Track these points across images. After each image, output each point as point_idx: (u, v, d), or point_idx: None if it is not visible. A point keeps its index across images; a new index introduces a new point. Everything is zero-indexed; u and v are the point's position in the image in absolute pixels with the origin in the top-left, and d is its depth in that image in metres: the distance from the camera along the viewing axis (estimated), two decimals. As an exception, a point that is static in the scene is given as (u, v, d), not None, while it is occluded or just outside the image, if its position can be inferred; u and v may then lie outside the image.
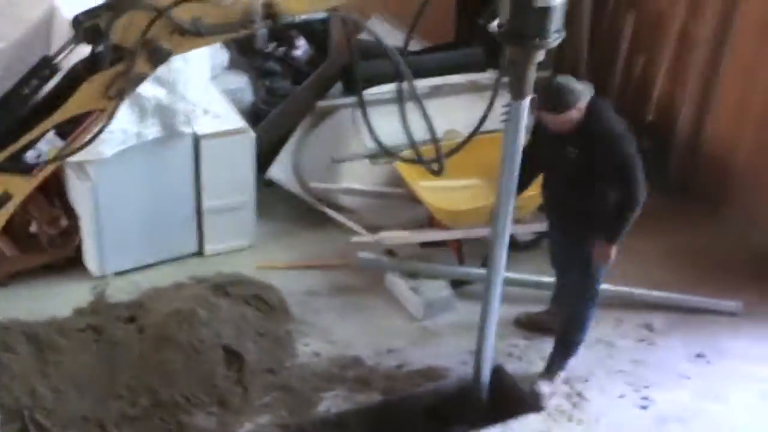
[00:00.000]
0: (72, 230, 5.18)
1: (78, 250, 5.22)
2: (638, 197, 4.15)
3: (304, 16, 2.67)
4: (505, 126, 2.95)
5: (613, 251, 4.29)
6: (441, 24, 6.56)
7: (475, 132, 2.89)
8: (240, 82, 6.06)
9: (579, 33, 6.56)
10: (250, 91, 6.05)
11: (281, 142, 5.86)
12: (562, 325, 4.66)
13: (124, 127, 4.82)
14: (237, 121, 5.37)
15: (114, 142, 4.81)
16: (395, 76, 5.63)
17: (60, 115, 2.58)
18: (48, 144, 2.62)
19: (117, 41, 2.49)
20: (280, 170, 5.82)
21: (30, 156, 2.61)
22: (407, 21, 6.14)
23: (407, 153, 3.66)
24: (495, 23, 2.68)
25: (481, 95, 5.71)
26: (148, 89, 4.82)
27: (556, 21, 2.60)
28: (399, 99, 2.93)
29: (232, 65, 6.12)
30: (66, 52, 2.57)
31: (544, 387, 4.57)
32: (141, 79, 2.61)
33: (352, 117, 5.65)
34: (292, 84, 6.30)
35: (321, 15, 2.69)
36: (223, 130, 5.26)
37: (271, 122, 5.88)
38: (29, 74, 2.57)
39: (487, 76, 5.86)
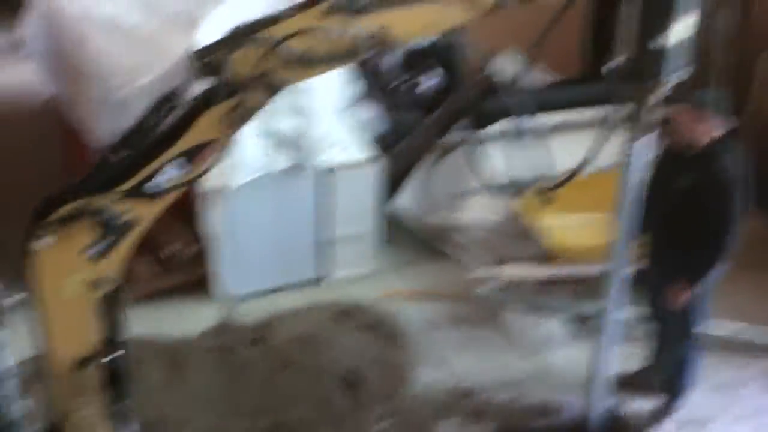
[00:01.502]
0: (204, 254, 5.38)
1: (209, 273, 5.40)
2: (727, 249, 4.03)
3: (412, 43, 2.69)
4: (624, 163, 2.91)
5: (688, 295, 4.15)
6: (571, 58, 6.52)
7: (582, 167, 2.86)
8: (370, 113, 6.17)
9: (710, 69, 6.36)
10: (380, 122, 6.15)
11: (408, 173, 5.92)
12: (668, 370, 4.53)
13: (256, 157, 5.00)
14: (365, 153, 5.47)
15: (246, 171, 4.99)
16: (524, 111, 5.71)
17: (181, 146, 2.69)
18: (173, 171, 2.74)
19: (232, 75, 2.58)
20: (405, 201, 5.88)
21: (155, 182, 2.73)
22: (541, 56, 6.19)
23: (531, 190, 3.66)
24: (611, 63, 2.66)
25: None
26: (281, 123, 5.00)
27: (676, 61, 2.56)
28: (517, 134, 2.92)
29: (364, 96, 6.24)
30: (186, 86, 2.69)
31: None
32: (256, 109, 2.69)
33: (478, 152, 5.67)
34: (421, 116, 6.37)
35: (430, 41, 2.70)
36: (351, 161, 5.36)
37: (399, 154, 5.96)
38: (154, 106, 2.73)
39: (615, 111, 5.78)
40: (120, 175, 2.74)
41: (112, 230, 2.74)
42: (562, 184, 2.85)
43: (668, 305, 4.22)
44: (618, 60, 2.62)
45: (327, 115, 5.16)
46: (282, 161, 5.10)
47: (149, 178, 2.72)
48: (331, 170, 5.30)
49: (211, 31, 4.56)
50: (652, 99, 2.65)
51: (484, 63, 6.13)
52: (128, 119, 2.93)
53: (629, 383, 4.75)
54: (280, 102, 4.91)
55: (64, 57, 4.94)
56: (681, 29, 2.49)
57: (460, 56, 5.79)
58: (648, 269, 4.51)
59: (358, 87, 5.88)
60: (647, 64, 2.56)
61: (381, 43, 2.59)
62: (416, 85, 6.41)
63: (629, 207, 2.97)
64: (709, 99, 4.02)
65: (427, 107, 6.35)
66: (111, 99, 4.76)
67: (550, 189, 2.85)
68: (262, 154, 5.03)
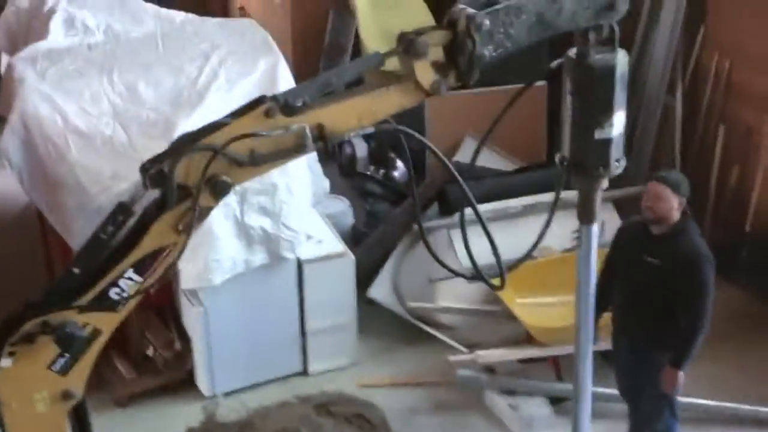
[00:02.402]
0: (185, 353, 5.38)
1: (191, 372, 5.39)
2: (705, 324, 4.09)
3: (353, 134, 2.75)
4: (577, 250, 3.00)
5: (681, 377, 4.17)
6: (533, 143, 6.69)
7: (531, 251, 2.94)
8: (341, 206, 6.27)
9: (671, 147, 6.58)
10: (351, 214, 6.25)
11: (381, 262, 5.98)
12: None
13: (233, 255, 5.05)
14: (338, 246, 5.54)
15: (223, 269, 5.04)
16: (489, 197, 5.83)
17: (136, 254, 2.72)
18: (131, 280, 2.76)
19: (181, 181, 2.63)
20: (380, 290, 5.92)
21: (114, 293, 2.75)
22: (501, 141, 6.38)
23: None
24: (558, 156, 2.76)
25: (573, 213, 5.76)
26: (254, 220, 5.06)
27: (617, 151, 2.66)
28: (461, 221, 2.99)
29: (334, 188, 6.36)
30: (138, 196, 2.73)
31: None
32: (207, 212, 2.72)
33: (448, 237, 5.77)
34: (391, 205, 6.49)
35: (370, 130, 2.77)
36: (325, 255, 5.41)
37: (371, 244, 6.04)
38: (106, 220, 2.74)
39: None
40: (78, 290, 2.75)
41: (74, 344, 2.76)
42: (511, 269, 2.91)
43: (665, 389, 4.22)
44: (565, 150, 2.73)
45: (299, 212, 5.24)
46: (258, 259, 5.17)
47: (107, 289, 2.74)
48: (306, 264, 5.37)
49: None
50: (599, 187, 2.74)
51: (449, 151, 6.30)
52: None
53: None
54: (254, 201, 5.07)
55: (42, 168, 5.02)
56: (620, 121, 2.60)
57: (425, 146, 5.93)
58: (616, 346, 4.54)
59: (328, 181, 5.99)
60: (594, 155, 2.66)
61: (322, 137, 2.66)
62: (385, 175, 6.56)
63: (585, 292, 3.04)
64: (675, 178, 4.20)
65: (397, 196, 6.48)
66: (89, 207, 4.82)
67: (501, 275, 2.90)
68: (239, 252, 5.09)
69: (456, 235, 5.70)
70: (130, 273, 2.75)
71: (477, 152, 2.94)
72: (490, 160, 6.35)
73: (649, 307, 4.21)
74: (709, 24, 6.34)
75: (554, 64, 2.65)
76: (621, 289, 4.38)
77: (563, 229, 5.27)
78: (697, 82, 6.46)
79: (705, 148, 6.42)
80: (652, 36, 6.54)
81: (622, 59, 2.55)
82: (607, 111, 2.56)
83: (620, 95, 2.56)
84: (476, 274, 2.97)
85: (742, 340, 5.62)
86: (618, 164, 2.66)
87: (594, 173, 2.69)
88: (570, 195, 2.85)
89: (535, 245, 2.95)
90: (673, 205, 4.11)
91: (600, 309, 4.37)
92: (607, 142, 2.62)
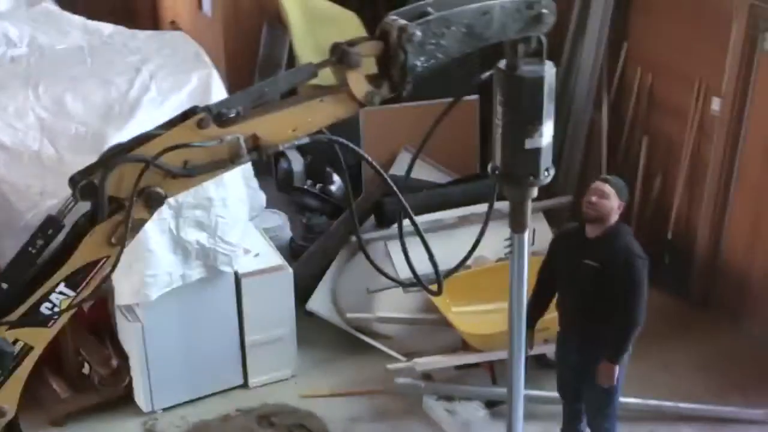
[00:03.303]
0: (122, 369, 5.23)
1: (129, 388, 5.26)
2: (639, 319, 4.19)
3: (288, 144, 2.71)
4: (509, 258, 3.00)
5: (617, 370, 4.25)
6: (466, 156, 6.72)
7: (466, 259, 2.94)
8: (278, 220, 6.21)
9: (598, 158, 6.67)
10: (288, 228, 6.19)
11: (320, 274, 5.94)
12: None
13: (170, 270, 4.93)
14: (276, 259, 5.47)
15: (160, 284, 4.92)
16: (424, 208, 5.82)
17: (68, 268, 2.64)
18: (62, 295, 2.68)
19: (112, 193, 2.56)
20: (319, 302, 5.87)
21: (45, 308, 2.66)
22: (435, 153, 6.39)
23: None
24: (489, 166, 2.76)
25: (506, 223, 5.80)
26: (190, 234, 4.95)
27: (546, 160, 2.67)
28: (399, 230, 2.97)
29: (271, 202, 6.29)
30: (67, 209, 2.65)
31: None
32: (140, 224, 2.65)
33: (385, 249, 5.75)
34: (329, 219, 6.45)
35: (305, 141, 2.73)
36: (263, 268, 5.34)
37: (309, 257, 5.99)
38: (35, 234, 2.66)
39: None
40: (7, 305, 2.66)
41: (4, 360, 2.66)
42: (447, 276, 2.91)
43: (601, 382, 4.29)
44: (496, 160, 2.73)
45: (236, 226, 5.16)
46: (196, 273, 5.06)
47: (38, 305, 2.65)
48: (244, 278, 5.28)
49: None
50: (529, 196, 2.75)
51: (385, 164, 6.28)
52: None
53: None
54: (189, 215, 4.97)
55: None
56: (549, 131, 2.61)
57: (360, 157, 5.93)
58: (562, 347, 4.57)
59: (265, 195, 5.93)
60: (523, 164, 2.67)
61: (257, 147, 2.61)
62: (322, 189, 6.51)
63: (518, 298, 3.04)
64: (618, 182, 4.31)
65: (334, 209, 6.44)
66: (17, 224, 4.66)
67: (438, 281, 2.89)
68: (176, 266, 4.98)
69: (393, 247, 5.69)
70: (62, 287, 2.67)
71: (411, 164, 2.93)
72: (424, 172, 6.35)
73: (592, 308, 4.27)
74: (632, 40, 6.45)
75: (485, 75, 2.64)
76: (563, 293, 4.45)
77: (496, 238, 5.33)
78: (621, 96, 6.57)
79: (629, 159, 6.54)
80: (578, 51, 6.63)
81: (550, 71, 2.56)
82: (536, 121, 2.57)
83: (549, 106, 2.57)
84: (414, 282, 2.95)
85: (666, 341, 5.74)
86: (548, 173, 2.67)
87: (524, 182, 2.69)
88: (503, 206, 2.88)
89: (469, 254, 2.94)
90: (614, 206, 4.21)
91: (536, 316, 4.43)
92: (536, 152, 2.63)
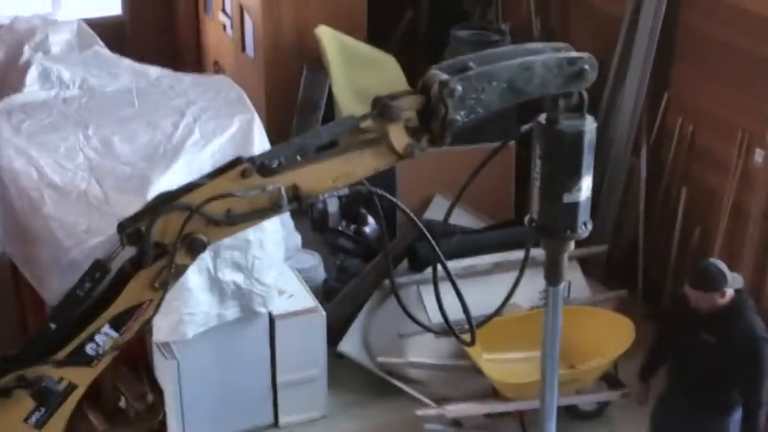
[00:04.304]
0: (157, 404, 5.31)
1: (163, 423, 5.30)
2: (763, 401, 4.14)
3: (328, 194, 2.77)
4: (544, 311, 3.03)
5: None
6: (501, 202, 6.76)
7: (500, 309, 2.96)
8: (312, 260, 6.27)
9: (636, 206, 6.67)
10: (322, 269, 6.25)
11: (352, 317, 5.98)
12: None
13: (206, 309, 5.02)
14: (309, 301, 5.53)
15: (196, 323, 5.01)
16: (458, 254, 5.86)
17: (113, 310, 2.72)
18: (106, 336, 2.76)
19: (157, 239, 2.64)
20: (350, 344, 5.91)
21: (89, 349, 2.75)
22: (470, 199, 6.44)
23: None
24: (526, 218, 2.80)
25: (541, 270, 5.81)
26: (227, 274, 5.04)
27: (584, 214, 2.70)
28: (434, 277, 3.00)
29: (306, 243, 6.36)
30: (115, 254, 2.74)
31: None
32: (183, 269, 2.73)
33: (417, 293, 5.79)
34: (362, 261, 6.50)
35: (344, 192, 2.79)
36: (296, 310, 5.40)
37: (342, 299, 6.04)
38: (83, 277, 2.75)
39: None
40: (55, 345, 2.75)
41: (50, 398, 2.75)
42: (480, 325, 2.93)
43: None
44: (533, 212, 2.76)
45: (271, 267, 5.23)
46: (231, 313, 5.14)
47: (83, 345, 2.74)
48: (277, 319, 5.35)
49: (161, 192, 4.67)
50: (566, 250, 2.78)
51: (419, 209, 6.34)
52: None
53: None
54: (227, 256, 5.05)
55: (17, 221, 4.96)
56: (587, 186, 2.64)
57: (395, 203, 6.01)
58: (665, 407, 4.50)
59: (300, 236, 6.00)
60: (561, 218, 2.70)
61: (297, 197, 2.68)
62: (355, 231, 6.57)
63: (551, 352, 3.06)
64: (704, 279, 4.19)
65: (368, 252, 6.49)
66: (63, 260, 4.78)
67: (471, 331, 2.92)
68: (212, 306, 5.07)
69: (425, 291, 5.73)
70: (107, 328, 2.75)
71: (449, 212, 2.96)
72: (458, 217, 6.39)
73: (703, 378, 4.22)
74: (674, 89, 6.46)
75: (524, 128, 2.69)
76: (675, 360, 4.40)
77: (530, 286, 5.32)
78: (661, 145, 6.57)
79: (668, 209, 6.51)
80: (618, 98, 6.66)
81: (590, 126, 2.59)
82: (576, 176, 2.60)
83: (588, 161, 2.60)
84: (447, 330, 2.98)
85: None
86: (585, 227, 2.70)
87: (561, 236, 2.72)
88: (537, 253, 2.90)
89: (503, 303, 2.97)
90: (716, 300, 4.13)
91: (649, 375, 4.42)
92: (574, 206, 2.66)
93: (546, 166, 2.63)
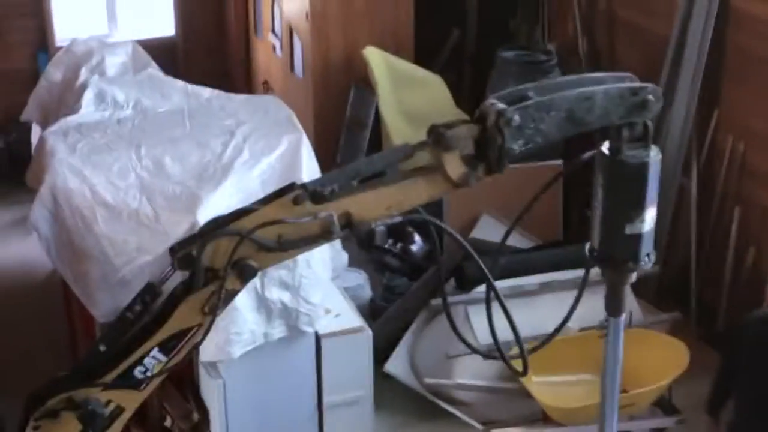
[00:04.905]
0: (203, 424, 5.27)
1: (209, 444, 5.30)
2: None
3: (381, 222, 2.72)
4: (604, 342, 2.92)
5: None
6: (549, 222, 6.64)
7: (557, 332, 2.85)
8: (359, 279, 6.21)
9: (687, 227, 6.51)
10: (368, 287, 6.18)
11: (398, 336, 5.90)
12: None
13: (252, 328, 4.96)
14: (356, 320, 5.44)
15: (243, 342, 4.95)
16: (505, 274, 5.76)
17: (163, 334, 2.70)
18: (155, 360, 2.73)
19: (208, 264, 2.61)
20: (397, 364, 5.82)
21: (138, 372, 2.73)
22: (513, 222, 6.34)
23: (514, 351, 3.63)
24: (587, 247, 2.70)
25: (591, 290, 5.69)
26: (274, 293, 4.98)
27: (647, 245, 2.59)
28: (487, 299, 2.91)
29: (352, 261, 6.29)
30: (166, 278, 2.75)
31: None
32: (233, 295, 2.70)
33: (465, 313, 5.68)
34: (409, 280, 6.41)
35: (398, 219, 2.74)
36: (343, 329, 5.31)
37: (388, 318, 5.96)
38: (134, 299, 2.76)
39: (596, 272, 5.84)
40: (103, 368, 2.73)
41: (97, 421, 2.73)
42: (533, 352, 2.84)
43: None
44: (594, 242, 2.66)
45: (318, 286, 5.17)
46: (277, 332, 5.08)
47: (132, 368, 2.72)
48: (323, 338, 5.28)
49: (211, 211, 4.65)
50: (627, 281, 2.67)
51: (465, 227, 6.25)
52: (128, 298, 2.99)
53: None
54: (274, 274, 5.00)
55: (69, 239, 4.98)
56: (651, 217, 2.54)
57: (444, 228, 5.93)
58: None
59: (347, 254, 5.94)
60: (623, 249, 2.59)
61: (349, 225, 2.63)
62: (402, 249, 6.50)
63: (612, 382, 2.95)
64: None
65: (415, 270, 6.41)
66: (113, 278, 4.78)
67: (523, 360, 2.82)
68: (258, 325, 5.01)
69: (473, 311, 5.62)
70: (155, 352, 2.73)
71: (506, 236, 2.87)
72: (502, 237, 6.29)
73: None
74: (724, 107, 6.32)
75: (585, 156, 2.59)
76: (748, 385, 4.20)
77: (580, 307, 5.22)
78: (712, 164, 6.41)
79: (720, 229, 6.35)
80: (667, 117, 6.52)
81: (655, 156, 2.48)
82: (639, 207, 2.49)
83: (652, 192, 2.49)
84: (497, 355, 2.89)
85: None
86: (648, 259, 2.59)
87: (623, 268, 2.61)
88: (592, 273, 2.80)
89: (558, 329, 2.86)
90: None
91: (719, 405, 4.29)
92: (637, 238, 2.55)
93: (608, 196, 2.52)
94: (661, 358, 5.25)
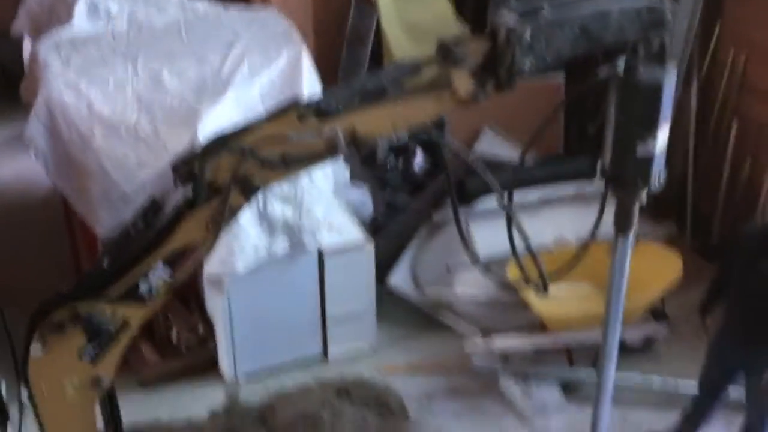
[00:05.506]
0: (208, 337, 5.31)
1: (213, 356, 5.33)
2: None
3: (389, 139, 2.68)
4: (611, 259, 2.89)
5: None
6: (550, 136, 6.55)
7: (579, 258, 2.83)
8: (360, 195, 6.16)
9: (685, 139, 6.44)
10: (371, 203, 6.15)
11: (400, 251, 5.89)
12: (748, 427, 4.45)
13: (256, 243, 4.95)
14: (358, 235, 5.43)
15: (247, 257, 4.94)
16: (506, 189, 5.71)
17: (166, 249, 2.68)
18: (160, 274, 2.72)
19: (212, 180, 2.59)
20: (399, 278, 5.83)
21: (143, 287, 2.71)
22: (518, 133, 6.26)
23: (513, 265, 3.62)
24: (599, 165, 2.65)
25: (589, 204, 5.66)
26: (277, 209, 4.97)
27: (658, 165, 2.54)
28: (507, 218, 2.89)
29: (353, 177, 6.24)
30: (168, 194, 2.72)
31: None
32: (238, 209, 2.68)
33: (466, 227, 5.66)
34: (410, 195, 6.37)
35: (404, 137, 2.69)
36: (345, 244, 5.32)
37: (390, 233, 5.94)
38: (137, 215, 2.73)
39: (595, 186, 5.81)
40: (108, 282, 2.71)
41: (103, 335, 2.72)
42: (562, 274, 2.82)
43: None
44: (604, 161, 2.61)
45: (320, 201, 5.13)
46: (281, 248, 5.07)
47: (136, 283, 2.71)
48: (326, 253, 5.27)
49: (210, 126, 4.57)
50: (636, 200, 2.63)
51: (467, 142, 6.18)
52: (130, 213, 2.96)
53: None
54: (277, 190, 4.95)
55: (67, 155, 4.90)
56: (664, 137, 2.48)
57: (444, 135, 5.84)
58: (722, 342, 4.39)
59: (349, 170, 5.88)
60: (635, 168, 2.54)
61: (354, 142, 2.58)
62: (405, 165, 6.44)
63: (617, 299, 2.94)
64: None
65: (415, 186, 6.36)
66: (113, 194, 4.73)
67: (543, 281, 2.81)
68: (262, 241, 4.99)
69: (474, 225, 5.60)
70: (160, 267, 2.72)
71: (523, 157, 2.82)
72: (507, 151, 6.23)
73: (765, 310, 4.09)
74: (726, 20, 6.17)
75: (602, 75, 2.50)
76: (738, 293, 4.26)
77: (579, 221, 5.19)
78: (712, 77, 6.31)
79: (718, 143, 6.29)
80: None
81: (670, 76, 2.41)
82: (652, 127, 2.43)
83: (666, 111, 2.43)
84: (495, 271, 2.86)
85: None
86: (659, 180, 2.54)
87: (633, 187, 2.57)
88: (591, 188, 2.76)
89: (579, 255, 2.82)
90: None
91: (710, 308, 4.36)
92: (649, 158, 2.50)
93: (621, 115, 2.46)
94: (654, 268, 5.25)
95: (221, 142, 2.62)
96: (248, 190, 2.62)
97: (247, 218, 4.92)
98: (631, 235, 2.74)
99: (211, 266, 5.01)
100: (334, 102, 2.58)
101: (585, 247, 2.71)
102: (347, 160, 5.97)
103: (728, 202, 6.21)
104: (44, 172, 5.22)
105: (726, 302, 4.37)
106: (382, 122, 2.60)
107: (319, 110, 2.55)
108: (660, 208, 6.39)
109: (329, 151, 2.59)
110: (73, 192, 5.08)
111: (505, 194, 2.75)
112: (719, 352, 4.42)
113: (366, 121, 2.59)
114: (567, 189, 5.83)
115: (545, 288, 2.80)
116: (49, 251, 6.34)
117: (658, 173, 2.55)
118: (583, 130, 6.09)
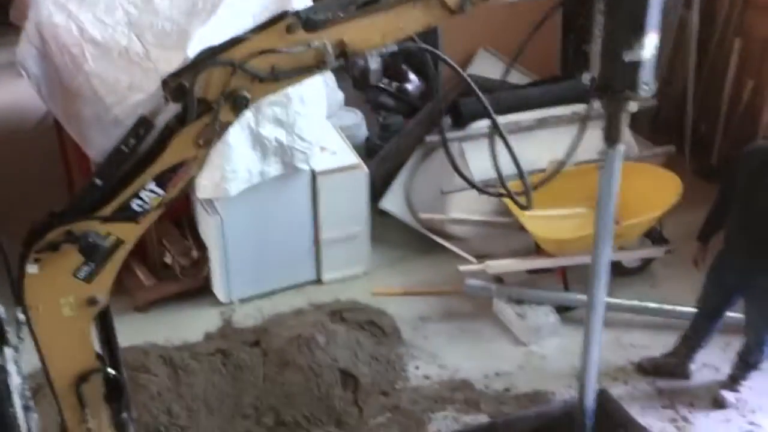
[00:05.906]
0: (202, 261, 5.36)
1: (207, 279, 5.38)
2: None
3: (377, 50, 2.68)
4: (600, 171, 2.90)
5: None
6: (546, 57, 6.50)
7: (561, 168, 2.84)
8: (355, 118, 6.15)
9: (686, 59, 6.39)
10: (364, 126, 6.14)
11: (394, 174, 5.90)
12: (747, 349, 4.53)
13: (248, 166, 4.96)
14: (352, 157, 5.44)
15: (239, 180, 4.96)
16: (502, 110, 5.69)
17: (157, 167, 2.69)
18: (152, 193, 2.73)
19: (201, 96, 2.58)
20: (392, 201, 5.86)
21: (135, 205, 2.73)
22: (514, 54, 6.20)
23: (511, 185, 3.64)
24: (587, 76, 2.63)
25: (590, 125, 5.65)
26: (269, 130, 4.96)
27: (647, 73, 2.53)
28: (490, 134, 2.89)
29: (347, 101, 6.22)
30: (158, 111, 2.68)
31: (729, 395, 4.54)
32: (227, 126, 2.68)
33: (460, 150, 5.66)
34: (404, 118, 6.36)
35: (393, 48, 2.69)
36: (339, 166, 5.33)
37: (384, 156, 5.95)
38: (128, 133, 2.71)
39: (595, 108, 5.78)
40: (100, 201, 2.73)
41: (97, 253, 2.74)
42: (542, 185, 2.83)
43: None
44: (593, 72, 2.60)
45: (313, 123, 5.12)
46: (273, 170, 5.07)
47: (129, 201, 2.72)
48: (320, 175, 5.28)
49: (201, 47, 4.52)
50: (624, 110, 2.63)
51: (462, 63, 6.12)
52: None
53: (653, 370, 4.77)
54: (268, 112, 4.94)
55: (59, 78, 4.87)
56: (652, 43, 2.46)
57: (437, 58, 5.79)
58: (723, 266, 4.42)
59: (342, 93, 5.85)
60: (622, 77, 2.53)
61: (343, 54, 2.58)
62: (398, 88, 6.40)
63: (606, 211, 2.96)
64: None
65: (409, 109, 6.34)
66: (105, 117, 4.71)
67: (527, 194, 2.83)
68: (254, 163, 5.00)
69: (469, 148, 5.60)
70: (152, 185, 2.72)
71: (507, 72, 2.81)
72: (503, 72, 6.17)
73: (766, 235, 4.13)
74: (730, -67, 6.08)
75: None
76: (740, 213, 4.27)
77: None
78: (714, -5, 6.24)
79: (720, 61, 6.24)
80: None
81: None
82: (639, 31, 2.42)
83: (653, 15, 2.41)
84: (493, 191, 2.89)
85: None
86: (647, 88, 2.53)
87: (621, 96, 2.56)
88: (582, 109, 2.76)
89: (561, 165, 2.85)
90: None
91: (711, 231, 4.38)
92: (636, 65, 2.49)
93: (608, 21, 2.44)
94: (653, 190, 5.27)
95: (211, 56, 2.62)
96: (238, 104, 2.62)
97: (239, 141, 4.92)
98: (620, 147, 2.73)
99: (205, 190, 5.03)
100: (323, 13, 2.58)
101: (561, 164, 2.72)
102: (341, 84, 5.95)
103: (728, 122, 6.20)
104: (37, 97, 5.19)
105: (727, 227, 4.38)
106: (371, 33, 2.60)
107: (308, 22, 2.55)
108: (659, 131, 6.39)
109: (318, 64, 2.60)
110: (65, 116, 5.06)
111: (493, 114, 2.72)
112: (720, 275, 4.46)
113: (355, 32, 2.59)
114: (563, 110, 5.81)
115: (529, 203, 2.80)
116: (43, 174, 6.37)
117: (648, 83, 2.53)
118: (578, 51, 6.04)
